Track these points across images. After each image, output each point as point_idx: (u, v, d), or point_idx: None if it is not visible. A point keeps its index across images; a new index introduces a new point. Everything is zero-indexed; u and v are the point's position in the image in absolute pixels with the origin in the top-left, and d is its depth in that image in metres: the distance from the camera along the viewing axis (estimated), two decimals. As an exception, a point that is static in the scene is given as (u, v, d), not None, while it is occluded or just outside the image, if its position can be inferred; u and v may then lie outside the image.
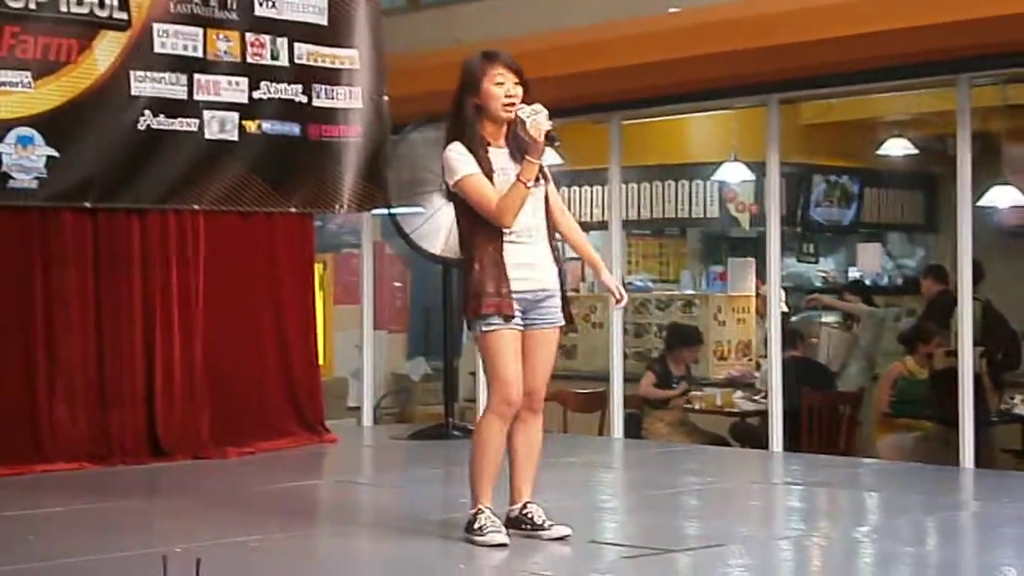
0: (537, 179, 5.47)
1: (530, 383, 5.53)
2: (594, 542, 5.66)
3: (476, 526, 5.47)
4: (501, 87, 5.48)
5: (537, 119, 5.40)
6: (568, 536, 5.54)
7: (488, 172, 5.48)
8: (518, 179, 5.42)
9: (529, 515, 5.55)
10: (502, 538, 5.43)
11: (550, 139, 5.41)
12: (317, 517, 6.88)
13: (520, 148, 5.49)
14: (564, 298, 5.62)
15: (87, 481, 7.60)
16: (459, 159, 5.51)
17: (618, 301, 5.74)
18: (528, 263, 5.50)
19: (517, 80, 5.50)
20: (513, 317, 5.44)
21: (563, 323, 5.62)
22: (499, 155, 5.54)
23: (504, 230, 5.45)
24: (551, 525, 5.54)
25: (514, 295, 5.45)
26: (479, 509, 5.49)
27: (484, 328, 5.45)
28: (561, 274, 5.61)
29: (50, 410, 7.89)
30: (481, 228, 5.50)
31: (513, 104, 5.48)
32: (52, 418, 7.89)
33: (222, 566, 5.09)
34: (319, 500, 7.45)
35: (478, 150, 5.50)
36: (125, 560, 5.48)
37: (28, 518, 6.51)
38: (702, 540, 5.89)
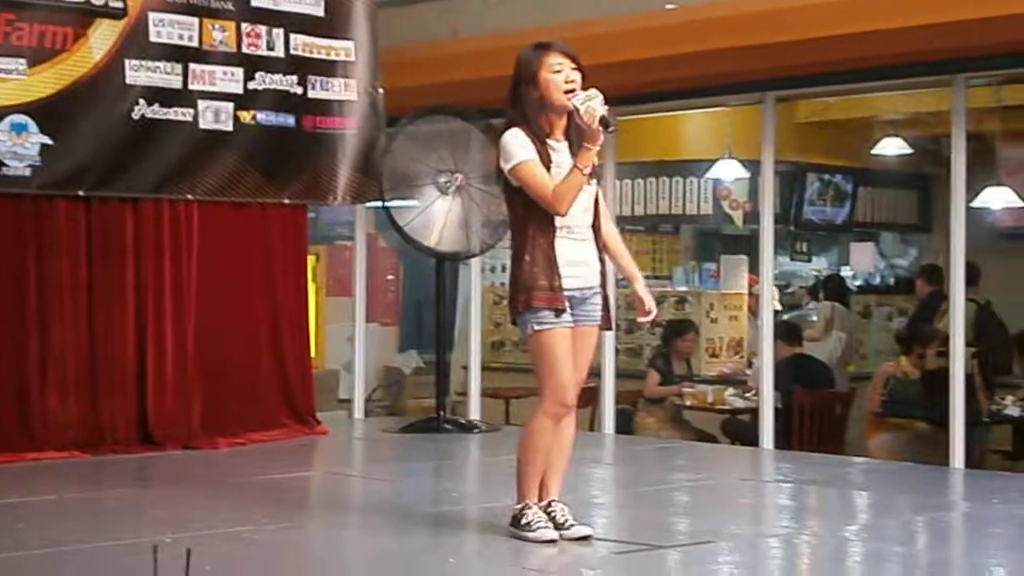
0: (590, 176, 5.38)
1: None
2: (584, 538, 5.65)
3: (524, 522, 5.41)
4: (559, 74, 5.38)
5: (591, 104, 5.28)
6: (589, 536, 5.47)
7: (546, 163, 5.37)
8: (575, 166, 5.31)
9: (552, 513, 5.47)
10: (552, 534, 5.38)
11: (604, 123, 5.26)
12: (307, 509, 6.87)
13: (579, 139, 5.40)
14: (606, 301, 5.54)
15: (77, 470, 7.60)
16: (517, 144, 5.37)
17: (647, 313, 5.61)
18: (580, 260, 5.41)
19: (574, 66, 5.41)
20: (564, 311, 5.35)
21: (602, 324, 5.53)
22: (559, 148, 5.45)
23: (557, 225, 5.35)
24: (572, 525, 5.46)
25: (566, 292, 5.37)
26: (526, 504, 5.43)
27: (537, 326, 5.35)
28: (604, 275, 5.53)
29: (41, 398, 7.89)
30: (534, 220, 5.37)
31: (573, 90, 5.37)
32: (43, 406, 7.88)
33: (212, 556, 5.09)
34: (309, 492, 7.44)
35: (537, 141, 5.39)
36: (115, 549, 5.47)
37: (18, 506, 6.50)
38: (692, 536, 5.89)
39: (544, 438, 5.43)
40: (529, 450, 5.44)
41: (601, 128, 5.28)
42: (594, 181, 5.47)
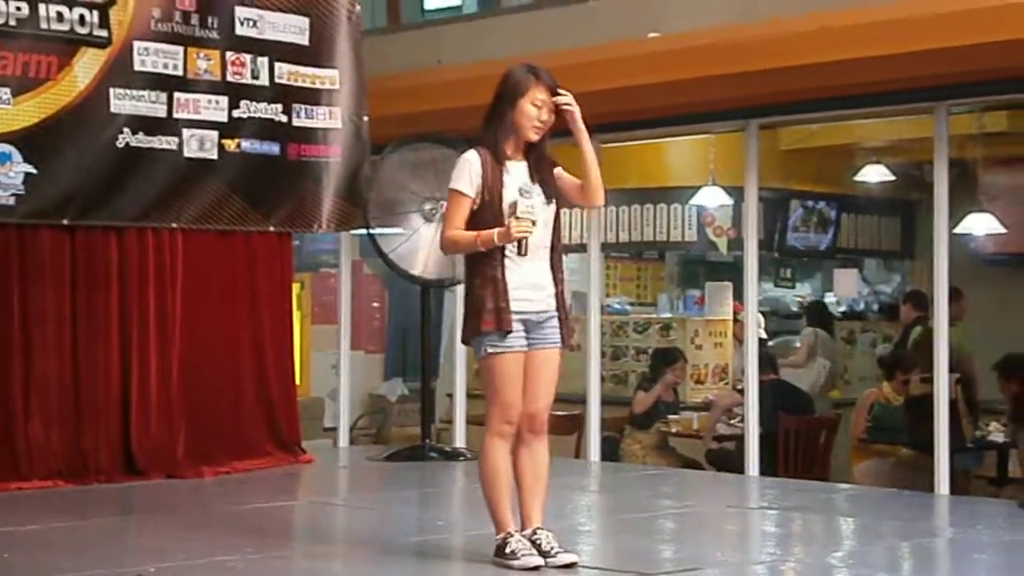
0: (548, 197, 5.51)
1: (532, 406, 5.49)
2: (570, 565, 5.64)
3: (508, 551, 5.39)
4: (538, 110, 5.46)
5: (522, 225, 5.36)
6: (575, 564, 5.45)
7: (495, 188, 5.42)
8: (480, 238, 5.39)
9: (538, 541, 5.45)
10: (537, 560, 5.37)
11: (520, 245, 5.40)
12: (292, 538, 6.85)
13: (539, 167, 5.51)
14: (562, 322, 5.56)
15: (62, 499, 7.57)
16: (463, 170, 5.47)
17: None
18: (533, 283, 5.46)
19: (553, 107, 5.48)
20: (510, 332, 5.39)
21: (561, 345, 5.57)
22: (517, 168, 5.51)
23: (506, 247, 5.41)
24: (558, 552, 5.45)
25: (519, 315, 5.41)
26: (507, 534, 5.43)
27: (490, 349, 5.41)
28: (560, 295, 5.55)
29: (25, 427, 7.85)
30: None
31: (542, 129, 5.47)
32: (27, 436, 7.85)
33: (196, 586, 5.07)
34: (294, 521, 7.42)
35: (497, 163, 5.46)
36: (99, 579, 5.46)
37: (3, 536, 6.47)
38: (678, 564, 5.89)
39: (498, 458, 5.44)
40: (487, 472, 5.46)
41: (515, 242, 5.38)
42: (554, 201, 5.51)
